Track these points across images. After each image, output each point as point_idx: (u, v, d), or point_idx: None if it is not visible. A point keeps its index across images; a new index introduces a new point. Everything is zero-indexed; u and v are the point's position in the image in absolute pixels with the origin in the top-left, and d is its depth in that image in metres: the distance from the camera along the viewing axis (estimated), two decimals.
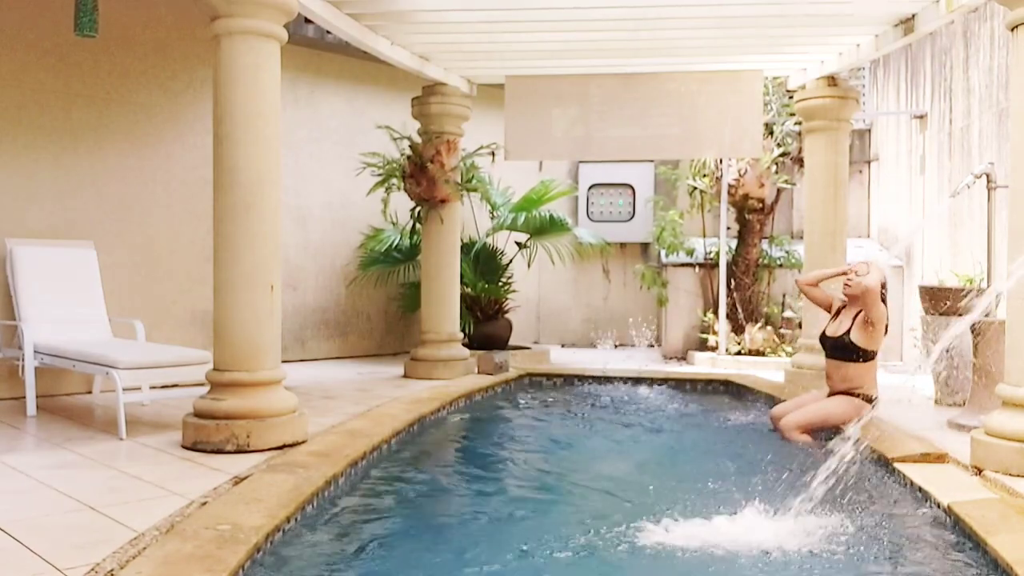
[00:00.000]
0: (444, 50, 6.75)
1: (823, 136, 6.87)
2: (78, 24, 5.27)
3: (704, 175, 9.24)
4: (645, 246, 10.37)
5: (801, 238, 7.49)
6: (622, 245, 10.43)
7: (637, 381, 7.23)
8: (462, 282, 7.87)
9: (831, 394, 5.04)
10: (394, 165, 7.36)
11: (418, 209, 7.44)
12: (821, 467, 3.62)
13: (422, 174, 7.07)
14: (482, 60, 7.04)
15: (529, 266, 9.12)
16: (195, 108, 6.81)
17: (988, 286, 5.40)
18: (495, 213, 8.90)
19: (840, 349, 4.93)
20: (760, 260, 9.06)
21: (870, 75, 9.82)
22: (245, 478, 3.65)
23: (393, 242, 8.48)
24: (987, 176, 5.37)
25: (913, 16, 5.57)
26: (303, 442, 4.37)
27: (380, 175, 7.50)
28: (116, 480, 3.74)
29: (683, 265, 9.27)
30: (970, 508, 3.27)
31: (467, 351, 7.45)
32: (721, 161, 8.90)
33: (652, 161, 10.03)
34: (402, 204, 7.76)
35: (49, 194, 6.11)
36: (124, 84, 6.46)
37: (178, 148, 6.76)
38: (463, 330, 7.92)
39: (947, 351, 5.34)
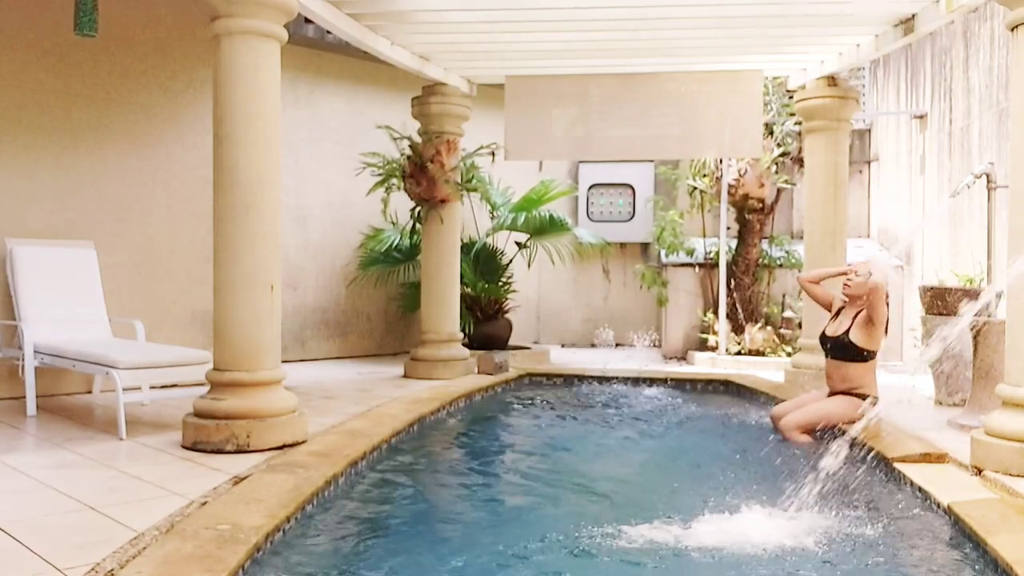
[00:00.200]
0: (444, 50, 6.75)
1: (823, 136, 6.87)
2: (78, 24, 5.27)
3: (704, 175, 9.24)
4: (645, 246, 10.37)
5: (801, 238, 7.49)
6: (622, 245, 10.43)
7: (637, 381, 7.23)
8: (462, 282, 7.87)
9: (831, 394, 5.04)
10: (394, 165, 7.36)
11: (418, 209, 7.44)
12: (821, 467, 3.62)
13: (422, 174, 7.07)
14: (482, 60, 7.04)
15: (529, 266, 9.12)
16: (195, 108, 6.81)
17: (988, 286, 5.41)
18: (495, 213, 8.90)
19: (840, 349, 4.93)
20: (760, 260, 9.06)
21: (870, 75, 9.82)
22: (245, 478, 3.65)
23: (393, 242, 8.48)
24: (987, 176, 5.37)
25: (913, 16, 5.57)
26: (303, 442, 4.37)
27: (380, 175, 7.50)
28: (116, 480, 3.73)
29: (683, 265, 9.27)
30: (970, 508, 3.27)
31: (467, 351, 7.45)
32: (721, 161, 8.90)
33: (652, 161, 10.03)
34: (402, 204, 7.76)
35: (49, 194, 6.11)
36: (124, 84, 6.46)
37: (178, 148, 6.76)
38: (463, 330, 7.92)
39: (947, 350, 5.34)
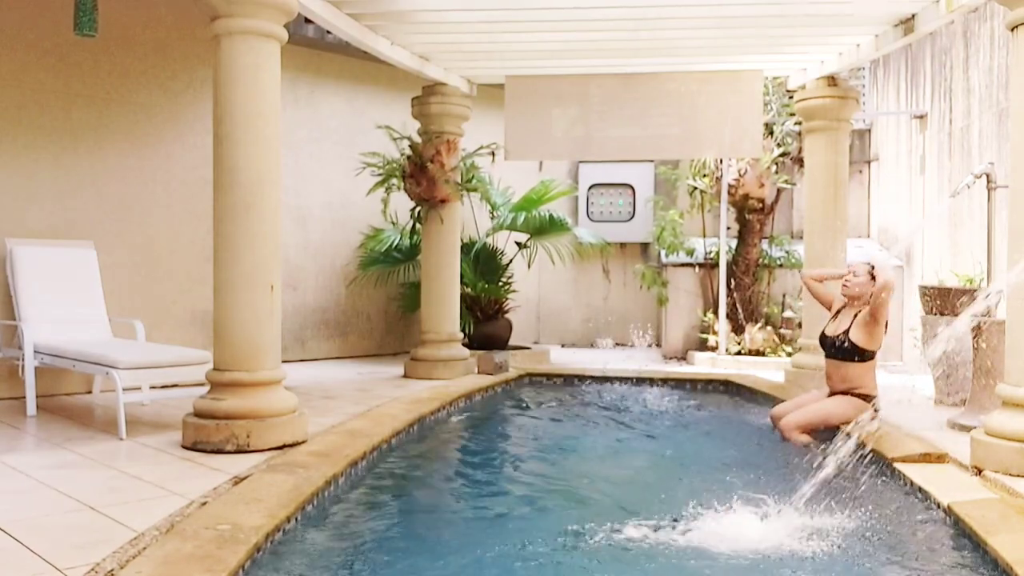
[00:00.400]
0: (444, 50, 6.75)
1: (823, 136, 6.87)
2: (78, 24, 5.28)
3: (704, 175, 9.24)
4: (645, 246, 10.37)
5: (801, 238, 7.49)
6: (622, 245, 10.43)
7: (637, 381, 7.23)
8: (462, 282, 7.87)
9: (831, 394, 5.05)
10: (394, 165, 7.36)
11: (418, 209, 7.44)
12: (821, 467, 3.62)
13: (422, 174, 7.07)
14: (482, 60, 7.04)
15: (529, 266, 9.12)
16: (195, 108, 6.81)
17: (987, 286, 5.41)
18: (495, 213, 8.90)
19: (840, 349, 4.93)
20: (760, 260, 9.06)
21: (870, 75, 9.82)
22: (245, 478, 3.65)
23: (393, 242, 8.48)
24: (987, 176, 5.37)
25: (913, 16, 5.57)
26: (303, 442, 4.37)
27: (380, 175, 7.50)
28: (116, 480, 3.73)
29: (683, 265, 9.27)
30: (970, 508, 3.27)
31: (467, 351, 7.45)
32: (721, 161, 8.90)
33: (652, 161, 10.03)
34: (402, 204, 7.76)
35: (49, 194, 6.11)
36: (124, 84, 6.46)
37: (178, 148, 6.76)
38: (463, 330, 7.92)
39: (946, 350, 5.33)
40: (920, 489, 3.72)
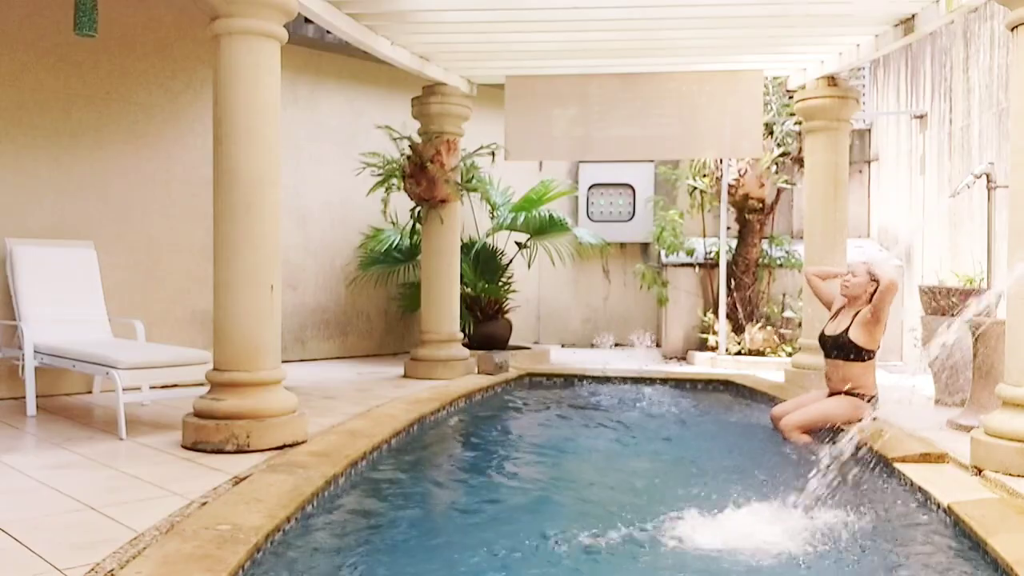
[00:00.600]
0: (444, 50, 6.75)
1: (823, 136, 6.87)
2: (78, 24, 5.28)
3: (704, 175, 9.24)
4: (645, 246, 10.37)
5: (801, 238, 7.49)
6: (622, 245, 10.43)
7: (637, 381, 7.23)
8: (462, 282, 7.87)
9: (831, 394, 5.05)
10: (394, 165, 7.35)
11: (418, 209, 7.44)
12: (821, 467, 3.62)
13: (422, 174, 7.07)
14: (482, 60, 7.04)
15: (529, 266, 9.12)
16: (195, 108, 6.81)
17: (988, 286, 5.41)
18: (495, 213, 8.90)
19: (839, 348, 4.94)
20: (760, 260, 9.06)
21: (870, 75, 9.82)
22: (245, 478, 3.65)
23: (393, 242, 8.48)
24: (987, 176, 5.37)
25: (913, 16, 5.57)
26: (303, 442, 4.37)
27: (380, 175, 7.49)
28: (116, 480, 3.73)
29: (683, 265, 9.27)
30: (970, 508, 3.27)
31: (467, 351, 7.45)
32: (721, 161, 8.90)
33: (652, 161, 10.03)
34: (402, 204, 7.76)
35: (49, 194, 6.11)
36: (124, 84, 6.46)
37: (178, 148, 6.76)
38: (463, 330, 7.91)
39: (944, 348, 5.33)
40: (920, 489, 3.71)
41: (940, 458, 4.12)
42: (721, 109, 7.06)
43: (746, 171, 8.86)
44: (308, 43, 7.95)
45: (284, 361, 4.77)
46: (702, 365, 8.47)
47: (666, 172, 9.58)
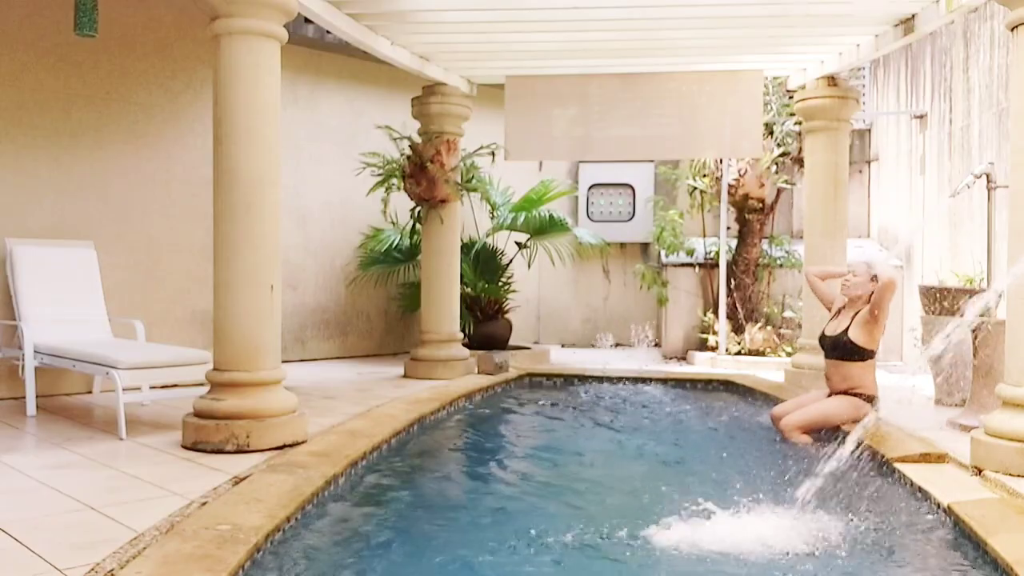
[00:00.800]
0: (444, 50, 6.75)
1: (823, 136, 6.87)
2: (78, 24, 5.28)
3: (704, 175, 9.24)
4: (645, 246, 10.37)
5: (801, 238, 7.49)
6: (622, 245, 10.43)
7: (637, 381, 7.23)
8: (462, 282, 7.87)
9: (831, 394, 5.05)
10: (394, 165, 7.35)
11: (418, 209, 7.44)
12: (821, 467, 3.62)
13: (422, 174, 7.07)
14: (482, 60, 7.04)
15: (529, 266, 9.12)
16: (195, 108, 6.81)
17: (988, 286, 5.41)
18: (495, 213, 8.90)
19: (839, 348, 4.94)
20: (760, 260, 9.06)
21: (870, 75, 9.82)
22: (245, 478, 3.65)
23: (393, 242, 8.48)
24: (987, 176, 5.37)
25: (913, 16, 5.57)
26: (303, 442, 4.37)
27: (380, 175, 7.49)
28: (116, 480, 3.73)
29: (683, 265, 9.27)
30: (970, 508, 3.27)
31: (467, 351, 7.45)
32: (721, 161, 8.90)
33: (652, 161, 10.03)
34: (402, 204, 7.76)
35: (49, 194, 6.11)
36: (124, 84, 6.46)
37: (178, 148, 6.76)
38: (463, 330, 7.92)
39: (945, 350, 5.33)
40: (920, 489, 3.71)
41: (940, 458, 4.12)
42: (721, 109, 7.06)
43: (746, 171, 8.86)
44: (308, 43, 7.95)
45: (284, 361, 4.78)
46: (702, 365, 8.47)
47: (666, 172, 9.58)
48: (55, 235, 6.07)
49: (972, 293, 5.46)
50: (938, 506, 3.47)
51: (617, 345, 10.06)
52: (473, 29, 6.14)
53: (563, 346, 10.30)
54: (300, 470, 3.72)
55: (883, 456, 4.21)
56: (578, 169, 10.38)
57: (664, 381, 7.22)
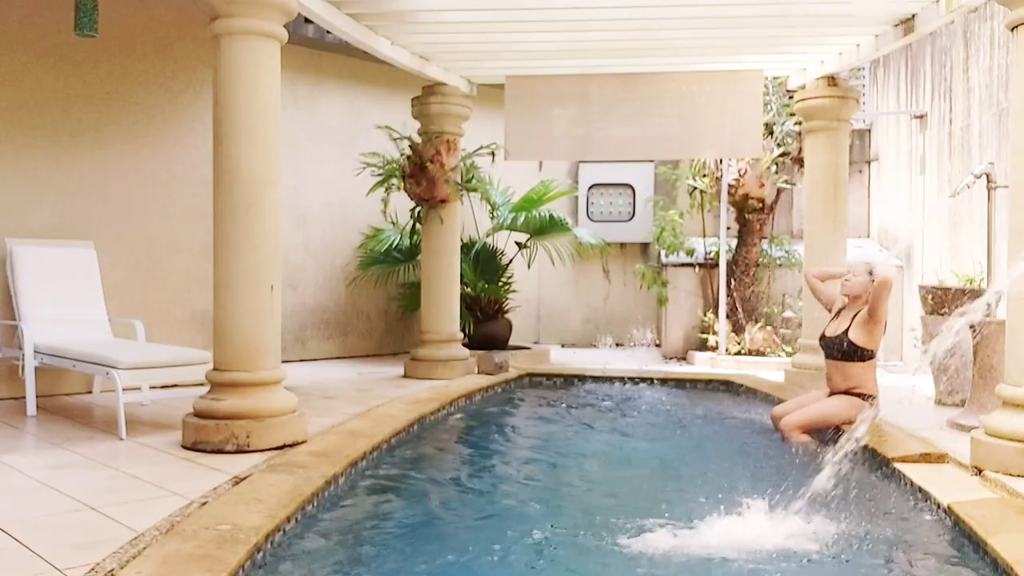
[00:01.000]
0: (444, 50, 6.75)
1: (823, 136, 6.87)
2: (78, 24, 5.28)
3: (704, 175, 9.25)
4: (645, 246, 10.37)
5: (801, 238, 7.49)
6: (622, 245, 10.43)
7: (637, 381, 7.23)
8: (462, 282, 7.87)
9: (831, 394, 5.04)
10: (394, 165, 7.35)
11: (418, 209, 7.44)
12: (821, 468, 3.62)
13: (422, 174, 7.07)
14: (482, 60, 7.04)
15: (529, 266, 9.12)
16: (195, 108, 6.81)
17: (988, 286, 5.41)
18: (495, 213, 8.90)
19: (840, 349, 4.93)
20: (760, 260, 9.06)
21: (870, 75, 9.82)
22: (245, 478, 3.65)
23: (393, 242, 8.48)
24: (987, 176, 5.37)
25: (913, 16, 5.57)
26: (303, 442, 4.37)
27: (380, 175, 7.50)
28: (116, 480, 3.73)
29: (683, 265, 9.27)
30: (970, 508, 3.27)
31: (467, 351, 7.45)
32: (721, 161, 8.90)
33: (652, 161, 10.03)
34: (402, 204, 7.76)
35: (49, 194, 6.11)
36: (124, 84, 6.46)
37: (178, 148, 6.76)
38: (463, 330, 7.92)
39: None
40: (920, 489, 3.71)
41: (940, 458, 4.12)
42: (721, 109, 7.06)
43: (746, 171, 8.86)
44: (308, 43, 7.95)
45: (284, 361, 4.78)
46: (702, 365, 8.47)
47: (666, 172, 9.58)
48: (55, 235, 6.07)
49: (972, 293, 5.46)
50: (938, 506, 3.47)
51: (617, 345, 10.06)
52: (473, 29, 6.14)
53: (563, 346, 10.30)
54: (300, 470, 3.72)
55: (883, 456, 4.21)
56: (578, 169, 10.38)
57: (664, 381, 7.22)
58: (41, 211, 6.07)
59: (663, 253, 9.30)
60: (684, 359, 9.09)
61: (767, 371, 7.66)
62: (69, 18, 5.35)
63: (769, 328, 8.73)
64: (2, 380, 5.81)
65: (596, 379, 7.35)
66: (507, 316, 8.77)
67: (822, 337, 5.13)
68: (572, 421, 5.93)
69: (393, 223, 8.23)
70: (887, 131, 9.43)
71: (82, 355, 5.04)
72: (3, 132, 5.90)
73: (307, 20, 6.85)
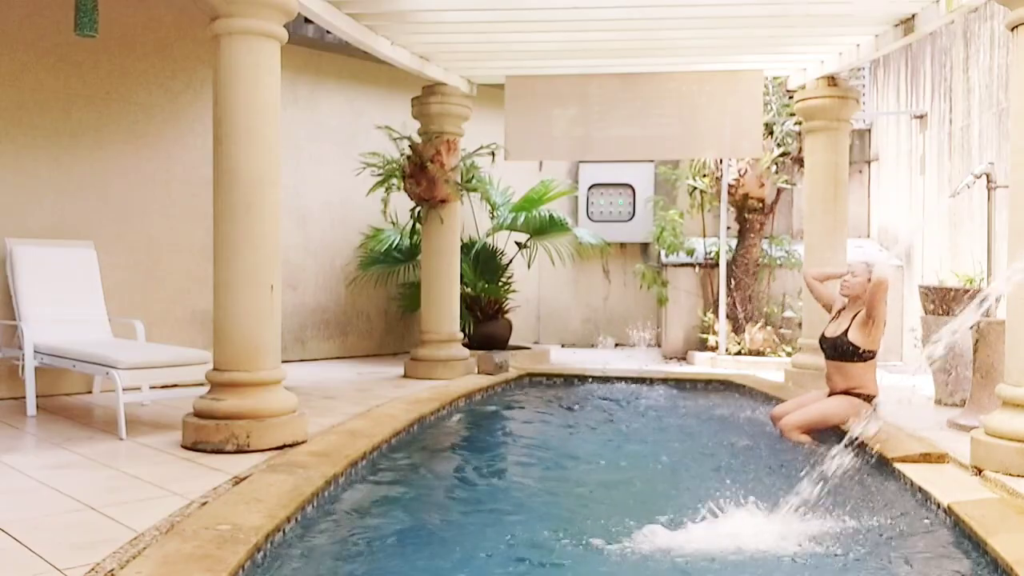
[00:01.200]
0: (444, 50, 6.75)
1: (823, 136, 6.87)
2: (78, 24, 5.28)
3: (704, 175, 9.25)
4: (645, 246, 10.37)
5: (801, 238, 7.49)
6: (622, 245, 10.43)
7: (637, 381, 7.23)
8: (462, 282, 7.87)
9: (831, 394, 5.05)
10: (394, 165, 7.35)
11: (418, 209, 7.45)
12: (821, 467, 3.62)
13: (422, 174, 7.07)
14: (482, 60, 7.04)
15: (529, 266, 9.12)
16: (195, 108, 6.81)
17: (988, 286, 5.40)
18: (495, 213, 8.90)
19: (839, 350, 4.93)
20: (760, 260, 9.06)
21: (870, 75, 9.82)
22: (245, 478, 3.65)
23: (393, 242, 8.48)
24: (987, 176, 5.37)
25: (913, 16, 5.57)
26: (303, 442, 4.37)
27: (380, 175, 7.50)
28: (116, 480, 3.73)
29: (683, 265, 9.27)
30: (970, 508, 3.27)
31: (467, 351, 7.45)
32: (721, 161, 8.90)
33: (652, 161, 10.03)
34: (402, 204, 7.76)
35: (49, 194, 6.11)
36: (124, 84, 6.46)
37: (178, 148, 6.76)
38: (463, 330, 7.92)
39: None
40: (920, 489, 3.71)
41: (940, 458, 4.12)
42: (721, 109, 7.07)
43: (746, 171, 8.86)
44: (308, 43, 7.95)
45: (284, 361, 4.78)
46: (702, 365, 8.47)
47: (666, 172, 9.58)
48: (55, 235, 6.07)
49: (972, 293, 5.46)
50: (938, 506, 3.47)
51: (617, 345, 10.06)
52: (473, 29, 6.14)
53: (563, 346, 10.30)
54: (300, 470, 3.72)
55: (883, 456, 4.21)
56: (578, 169, 10.38)
57: (664, 381, 7.22)
58: (41, 211, 6.07)
59: (663, 253, 9.30)
60: (684, 359, 9.09)
61: (767, 371, 7.66)
62: (69, 18, 5.35)
63: (769, 328, 8.73)
64: (2, 380, 5.81)
65: (596, 379, 7.35)
66: (507, 316, 8.78)
67: (822, 338, 5.13)
68: (572, 421, 5.93)
69: (393, 223, 8.23)
70: (887, 131, 9.43)
71: (82, 355, 5.04)
72: (3, 132, 5.91)
73: (307, 20, 6.85)
